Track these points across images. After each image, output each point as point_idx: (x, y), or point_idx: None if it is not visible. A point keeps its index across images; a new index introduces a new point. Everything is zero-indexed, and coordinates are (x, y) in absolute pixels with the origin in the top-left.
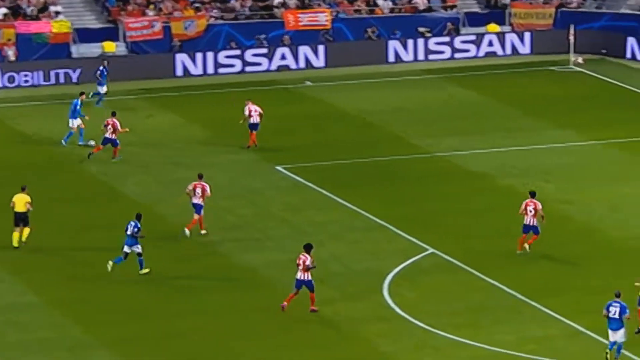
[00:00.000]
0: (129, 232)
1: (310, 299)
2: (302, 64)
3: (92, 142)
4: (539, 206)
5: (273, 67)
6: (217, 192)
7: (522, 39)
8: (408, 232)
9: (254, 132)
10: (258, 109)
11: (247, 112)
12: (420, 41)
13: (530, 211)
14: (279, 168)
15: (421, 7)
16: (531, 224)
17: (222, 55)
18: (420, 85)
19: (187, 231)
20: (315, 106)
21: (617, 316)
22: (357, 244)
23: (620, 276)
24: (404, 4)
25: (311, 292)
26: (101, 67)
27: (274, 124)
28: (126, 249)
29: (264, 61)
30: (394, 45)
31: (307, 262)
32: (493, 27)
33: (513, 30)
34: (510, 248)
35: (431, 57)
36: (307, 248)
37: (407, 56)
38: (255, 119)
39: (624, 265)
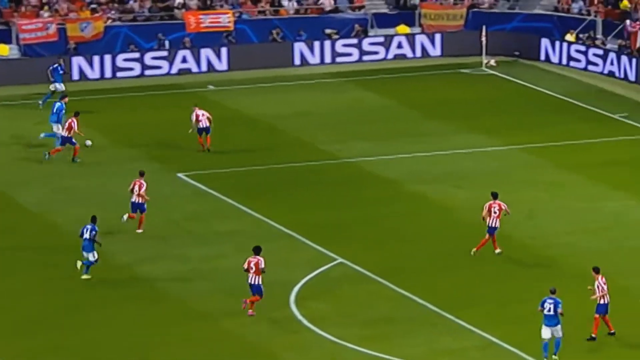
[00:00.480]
0: (86, 237)
1: (252, 301)
2: (204, 67)
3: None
4: (504, 206)
5: (174, 70)
6: (118, 200)
7: (432, 41)
8: (316, 242)
9: (207, 135)
10: (206, 113)
11: (194, 118)
12: (327, 43)
13: (495, 212)
14: (180, 175)
15: (328, 8)
16: (495, 225)
17: (120, 59)
18: (328, 88)
19: (139, 230)
20: (218, 111)
21: (552, 312)
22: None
23: (536, 285)
24: (309, 4)
25: (259, 296)
26: (55, 65)
27: (175, 130)
28: (86, 256)
29: (165, 64)
30: (299, 47)
31: (262, 265)
32: (402, 28)
33: (423, 32)
34: (421, 257)
35: (339, 59)
36: (257, 250)
37: (314, 59)
38: (205, 122)
39: (539, 273)
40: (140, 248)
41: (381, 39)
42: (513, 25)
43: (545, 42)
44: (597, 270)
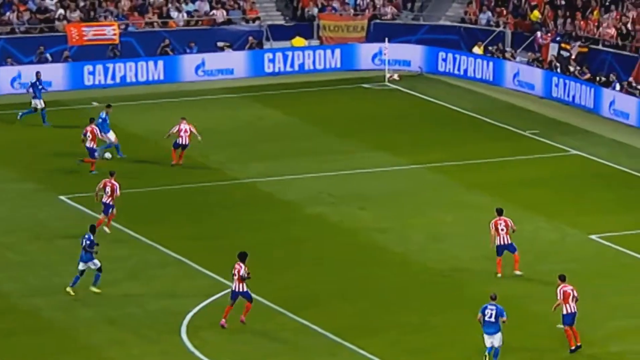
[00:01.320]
0: (86, 247)
1: (245, 308)
2: (87, 82)
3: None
4: (510, 222)
5: (55, 86)
6: None
7: (332, 54)
8: (209, 268)
9: (182, 151)
10: (192, 129)
11: (175, 129)
12: (220, 56)
13: (502, 229)
14: (62, 198)
15: (220, 20)
16: (505, 242)
17: None
18: (222, 104)
19: (106, 229)
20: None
21: (493, 319)
22: (153, 282)
23: (441, 311)
24: (200, 16)
25: (249, 302)
26: (34, 80)
27: (56, 149)
28: (81, 266)
29: (46, 79)
30: (190, 61)
31: (242, 272)
32: (299, 41)
33: (322, 45)
34: (322, 283)
35: (232, 73)
36: (242, 256)
37: (206, 73)
38: (185, 140)
39: (445, 300)
40: (22, 276)
41: (278, 52)
42: (417, 37)
43: (450, 55)
44: (562, 279)
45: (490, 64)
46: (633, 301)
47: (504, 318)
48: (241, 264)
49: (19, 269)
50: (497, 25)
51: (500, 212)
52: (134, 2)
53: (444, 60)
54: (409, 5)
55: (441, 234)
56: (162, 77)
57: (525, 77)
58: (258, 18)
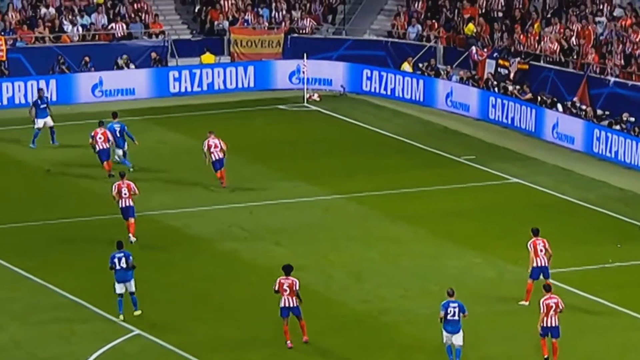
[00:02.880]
0: (122, 266)
1: (302, 327)
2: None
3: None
4: (548, 244)
5: None
6: None
7: (245, 72)
8: (106, 310)
9: (222, 169)
10: (220, 143)
11: (205, 148)
12: (119, 74)
13: (541, 250)
14: None
15: (119, 34)
16: (543, 265)
17: None
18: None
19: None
20: None
21: (456, 317)
22: (44, 326)
23: (369, 358)
24: (97, 30)
25: (301, 320)
26: (35, 99)
27: None
28: (119, 288)
29: None
30: (86, 79)
31: (297, 287)
32: (208, 57)
33: (234, 62)
34: (231, 327)
35: (132, 94)
36: (289, 269)
37: (102, 93)
38: (218, 154)
39: (373, 344)
40: None
41: (183, 70)
42: (339, 53)
43: (376, 73)
44: (547, 288)
45: (421, 82)
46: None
47: (466, 314)
48: (293, 278)
49: None
50: (428, 40)
51: (536, 233)
52: (22, 15)
53: (369, 78)
54: (329, 17)
55: (364, 271)
56: (54, 98)
57: (459, 97)
58: (162, 32)
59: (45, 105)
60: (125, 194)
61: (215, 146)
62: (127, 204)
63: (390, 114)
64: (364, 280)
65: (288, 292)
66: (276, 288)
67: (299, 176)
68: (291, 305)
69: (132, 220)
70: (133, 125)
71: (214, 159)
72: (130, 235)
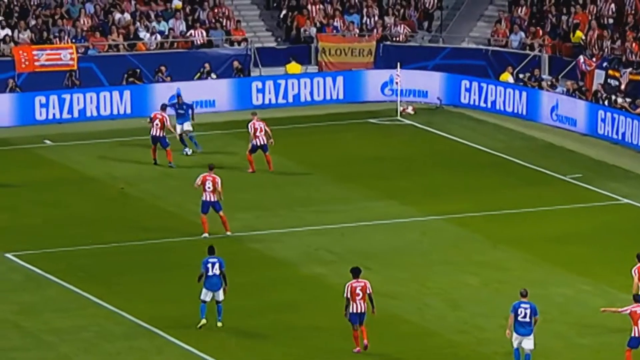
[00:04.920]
0: (215, 272)
1: (362, 332)
2: (39, 117)
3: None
4: None
5: (1, 122)
6: None
7: (333, 83)
8: (183, 340)
9: (266, 153)
10: (264, 126)
11: (251, 130)
12: (199, 85)
13: None
14: (9, 256)
15: (199, 42)
16: None
17: None
18: (201, 143)
19: (228, 233)
20: (57, 172)
21: (527, 319)
22: (115, 357)
23: None
24: (175, 37)
25: (362, 325)
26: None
27: (1, 198)
28: (206, 295)
29: None
30: (163, 90)
31: (370, 290)
32: (294, 67)
33: (321, 72)
34: (319, 357)
35: (213, 106)
36: (358, 272)
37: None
38: (262, 139)
39: None
40: None
41: (268, 80)
42: (435, 62)
43: (476, 84)
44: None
45: (524, 94)
46: None
47: (537, 317)
48: (364, 281)
49: None
50: (532, 49)
51: None
52: (94, 21)
53: (468, 90)
54: (425, 24)
55: (462, 299)
56: (128, 111)
57: (565, 111)
58: (245, 39)
59: (183, 111)
60: (208, 188)
61: (261, 130)
62: (209, 199)
63: (491, 129)
64: (462, 308)
65: (360, 296)
66: (348, 295)
67: (391, 195)
68: (362, 310)
69: (221, 213)
70: (211, 140)
71: (258, 143)
72: (227, 231)
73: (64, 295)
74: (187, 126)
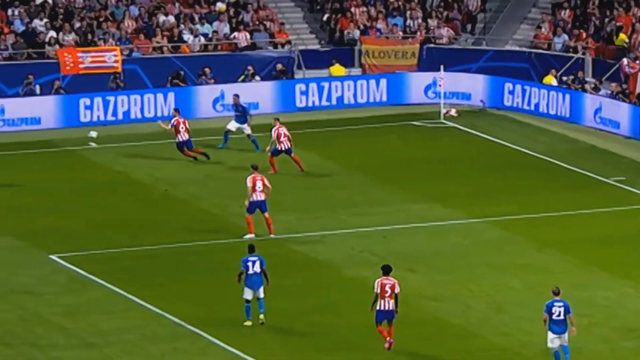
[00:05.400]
0: (255, 270)
1: (389, 332)
2: (84, 119)
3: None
4: None
5: (45, 123)
6: None
7: (377, 85)
8: (226, 341)
9: (293, 156)
10: (287, 132)
11: (274, 135)
12: (243, 87)
13: None
14: (53, 257)
15: (243, 44)
16: None
17: None
18: (241, 145)
19: (272, 235)
20: (102, 175)
21: (562, 317)
22: (160, 359)
23: None
24: (219, 39)
25: (391, 325)
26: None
27: (45, 199)
28: (248, 294)
29: (34, 114)
30: (207, 93)
31: (398, 289)
32: (338, 69)
33: (365, 74)
34: None
35: (256, 108)
36: (389, 269)
37: (224, 107)
38: (286, 144)
39: None
40: (1, 351)
41: (311, 83)
42: (479, 65)
43: (519, 87)
44: None
45: (567, 97)
46: None
47: (571, 315)
48: (394, 280)
49: None
50: (575, 51)
51: None
52: (139, 23)
53: (511, 92)
54: (468, 27)
55: (505, 301)
56: (172, 113)
57: (608, 113)
58: (288, 42)
59: (239, 113)
60: (259, 188)
61: (285, 135)
62: (258, 198)
63: (534, 131)
64: (505, 311)
65: (389, 293)
66: (378, 290)
67: (434, 198)
68: (389, 308)
69: (266, 214)
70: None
71: (282, 148)
72: (271, 233)
73: (108, 297)
74: (247, 129)
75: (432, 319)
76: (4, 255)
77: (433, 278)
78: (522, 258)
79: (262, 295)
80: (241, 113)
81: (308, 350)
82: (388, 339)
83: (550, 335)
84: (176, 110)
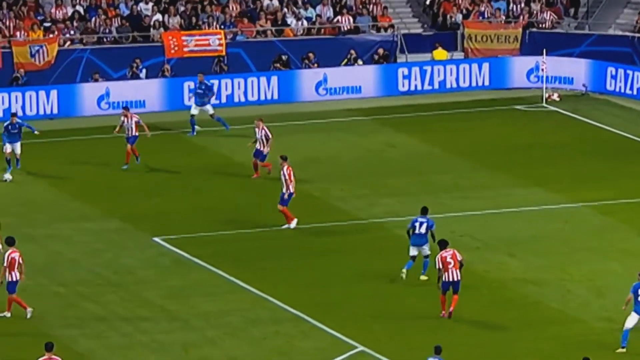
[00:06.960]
0: (422, 231)
1: (454, 300)
2: (188, 102)
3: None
4: None
5: (150, 106)
6: (69, 273)
7: (479, 69)
8: (329, 325)
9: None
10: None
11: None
12: (346, 71)
13: None
14: (157, 240)
15: (346, 28)
16: None
17: (83, 90)
18: (348, 129)
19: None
20: (206, 159)
21: None
22: (261, 342)
23: None
24: (322, 23)
25: (456, 294)
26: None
27: (150, 182)
28: (414, 251)
29: (142, 98)
30: (309, 76)
31: (460, 257)
32: (440, 53)
33: (467, 58)
34: (464, 346)
35: (359, 92)
36: (445, 243)
37: (327, 91)
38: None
39: None
40: (105, 332)
41: (414, 67)
42: (582, 49)
43: (622, 71)
44: None
45: None
46: None
47: None
48: (453, 250)
49: (103, 323)
50: None
51: None
52: (243, 7)
53: (614, 77)
54: (571, 11)
55: (606, 286)
56: (276, 96)
57: None
58: (391, 26)
59: (201, 91)
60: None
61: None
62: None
63: (636, 116)
64: (606, 296)
65: (452, 264)
66: (440, 265)
67: (536, 183)
68: (455, 279)
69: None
70: (357, 126)
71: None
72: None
73: (212, 279)
74: (210, 109)
75: (531, 303)
76: (109, 237)
77: (532, 262)
78: (623, 243)
79: (427, 252)
80: (203, 92)
81: (409, 334)
82: (444, 312)
83: (633, 314)
84: (125, 108)
